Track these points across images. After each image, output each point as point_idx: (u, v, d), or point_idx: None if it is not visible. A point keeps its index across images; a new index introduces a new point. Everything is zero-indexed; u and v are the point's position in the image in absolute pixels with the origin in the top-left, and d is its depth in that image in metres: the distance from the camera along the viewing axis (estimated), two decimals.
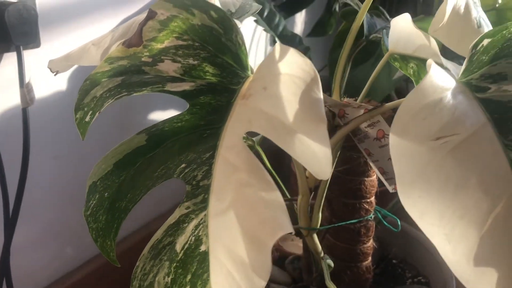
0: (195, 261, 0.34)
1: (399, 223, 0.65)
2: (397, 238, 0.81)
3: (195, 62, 0.39)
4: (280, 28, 1.12)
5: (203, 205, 0.35)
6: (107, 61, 0.39)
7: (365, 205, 0.66)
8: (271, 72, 0.37)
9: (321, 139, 0.33)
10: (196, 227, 0.35)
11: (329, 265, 0.60)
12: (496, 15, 1.30)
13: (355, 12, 0.72)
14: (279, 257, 0.84)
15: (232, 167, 0.35)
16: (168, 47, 0.39)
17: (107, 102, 0.39)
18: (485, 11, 1.33)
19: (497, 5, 1.29)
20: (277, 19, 1.12)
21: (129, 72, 0.39)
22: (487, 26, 0.48)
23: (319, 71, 0.50)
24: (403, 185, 0.35)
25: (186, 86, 0.38)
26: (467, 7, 0.43)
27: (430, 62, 0.37)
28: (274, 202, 0.33)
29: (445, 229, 0.35)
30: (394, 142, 0.35)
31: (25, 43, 0.66)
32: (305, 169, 0.63)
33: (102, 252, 0.41)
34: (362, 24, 0.62)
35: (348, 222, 0.66)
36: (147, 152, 0.38)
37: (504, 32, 0.40)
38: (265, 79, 0.37)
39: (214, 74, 0.39)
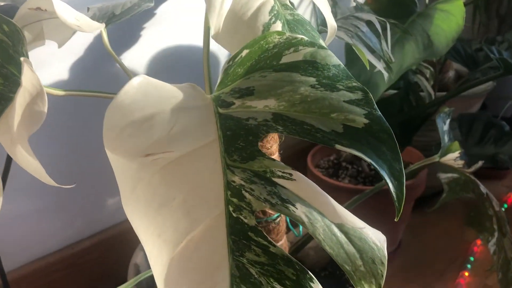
0: None
1: (300, 228, 0.62)
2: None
3: None
4: None
5: None
6: None
7: None
8: (21, 83, 0.39)
9: (27, 150, 0.36)
10: None
11: None
12: None
13: None
14: None
15: None
16: None
17: None
18: None
19: None
20: None
21: None
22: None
23: None
24: (123, 198, 0.36)
25: None
26: (257, 12, 0.40)
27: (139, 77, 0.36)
28: None
29: (147, 245, 0.35)
30: (109, 156, 0.36)
31: None
32: None
33: None
34: None
35: None
36: None
37: (261, 42, 0.37)
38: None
39: None
